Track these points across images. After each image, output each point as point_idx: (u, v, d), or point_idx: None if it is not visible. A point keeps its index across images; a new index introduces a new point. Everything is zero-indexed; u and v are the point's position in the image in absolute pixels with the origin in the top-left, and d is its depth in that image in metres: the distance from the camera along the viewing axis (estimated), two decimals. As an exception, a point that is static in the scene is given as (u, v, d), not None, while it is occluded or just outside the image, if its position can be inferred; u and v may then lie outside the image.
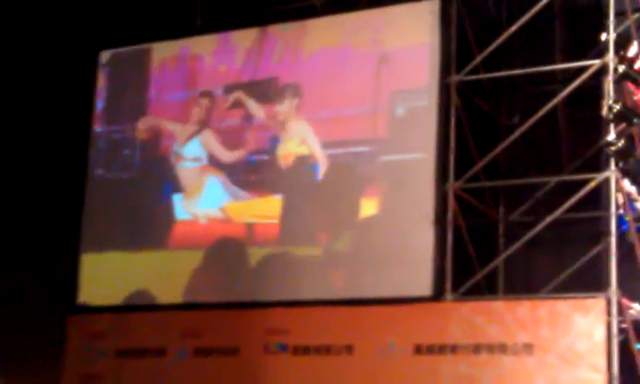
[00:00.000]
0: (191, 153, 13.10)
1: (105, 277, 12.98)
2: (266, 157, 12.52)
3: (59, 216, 13.31)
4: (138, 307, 12.28)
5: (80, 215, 13.23)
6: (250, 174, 12.66)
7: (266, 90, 12.67)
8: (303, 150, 12.23)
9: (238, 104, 12.83)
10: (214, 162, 12.80)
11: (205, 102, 13.07)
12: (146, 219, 13.14)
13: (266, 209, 12.39)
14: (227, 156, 12.82)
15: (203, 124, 13.00)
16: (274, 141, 12.52)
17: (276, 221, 12.22)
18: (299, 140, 12.36)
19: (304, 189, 12.23)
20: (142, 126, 13.40)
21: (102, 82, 13.72)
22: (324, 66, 12.29)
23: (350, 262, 11.58)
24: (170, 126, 13.32)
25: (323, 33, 12.32)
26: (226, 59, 13.05)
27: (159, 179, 13.23)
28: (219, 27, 12.87)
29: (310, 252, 11.84)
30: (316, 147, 12.17)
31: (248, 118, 12.72)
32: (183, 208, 12.99)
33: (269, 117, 12.58)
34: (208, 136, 13.03)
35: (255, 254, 12.21)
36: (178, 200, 13.07)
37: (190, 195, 13.05)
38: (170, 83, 13.45)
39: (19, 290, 12.99)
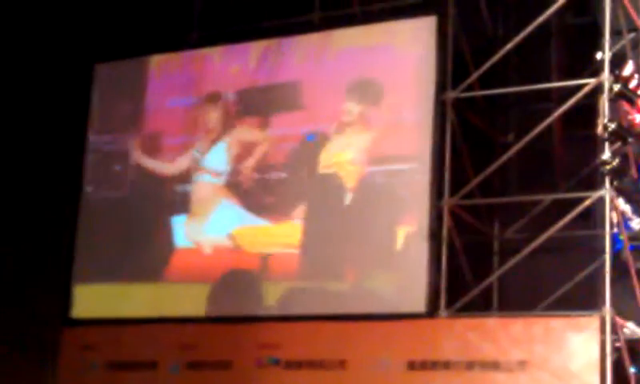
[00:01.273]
0: (214, 164, 11.84)
1: (96, 314, 12.22)
2: (284, 174, 11.59)
3: (53, 227, 12.90)
4: (131, 320, 12.07)
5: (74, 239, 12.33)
6: (265, 194, 11.52)
7: (287, 96, 11.58)
8: (354, 169, 11.08)
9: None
10: (233, 182, 11.71)
11: (220, 105, 11.86)
12: (139, 246, 11.95)
13: (284, 236, 11.24)
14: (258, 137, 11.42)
15: (225, 128, 11.82)
16: (298, 154, 11.40)
17: (296, 251, 11.36)
18: (354, 157, 11.08)
19: (330, 214, 11.15)
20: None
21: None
22: (356, 67, 11.42)
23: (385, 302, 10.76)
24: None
25: (354, 29, 11.57)
26: (238, 59, 12.01)
27: (156, 199, 12.08)
28: (216, 41, 12.60)
29: (337, 287, 11.02)
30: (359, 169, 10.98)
31: (263, 127, 11.74)
32: (185, 233, 11.85)
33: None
34: (242, 130, 11.69)
35: (271, 291, 11.29)
36: (179, 224, 11.88)
37: (195, 218, 11.82)
38: (171, 87, 12.39)
39: (12, 300, 12.87)
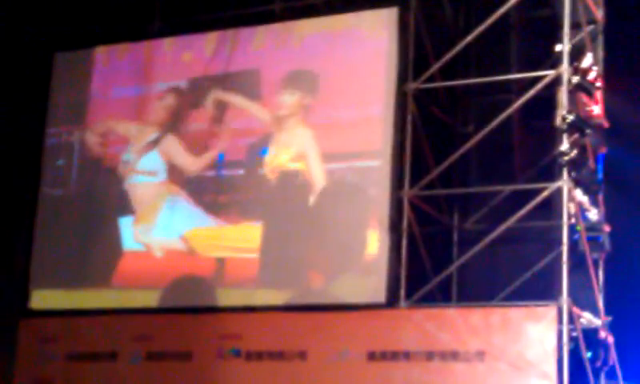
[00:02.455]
0: (146, 165, 11.27)
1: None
2: (241, 171, 11.06)
3: (13, 222, 12.54)
4: (90, 311, 11.91)
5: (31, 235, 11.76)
6: (221, 193, 10.94)
7: (243, 85, 10.97)
8: (298, 167, 10.62)
9: (217, 104, 10.95)
10: (175, 177, 11.16)
11: (170, 100, 11.34)
12: (85, 250, 11.39)
13: (242, 239, 10.70)
14: (194, 164, 10.86)
15: (166, 129, 11.28)
16: (256, 149, 10.82)
17: (254, 255, 10.95)
18: (296, 152, 10.57)
19: (292, 214, 10.69)
20: (91, 132, 11.49)
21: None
22: (320, 55, 10.97)
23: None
24: (123, 128, 11.37)
25: (313, 20, 11.15)
26: (191, 46, 11.52)
27: (102, 197, 11.51)
28: (177, 31, 12.42)
29: (301, 294, 10.61)
30: (316, 167, 10.42)
31: (218, 120, 11.17)
32: (133, 235, 11.28)
33: (263, 110, 10.68)
34: (170, 143, 11.11)
35: (227, 298, 10.86)
36: (126, 224, 11.28)
37: (142, 219, 11.20)
38: (117, 76, 11.88)
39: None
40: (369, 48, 11.38)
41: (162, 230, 11.26)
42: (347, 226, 10.72)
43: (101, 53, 12.14)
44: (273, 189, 10.93)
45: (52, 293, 11.86)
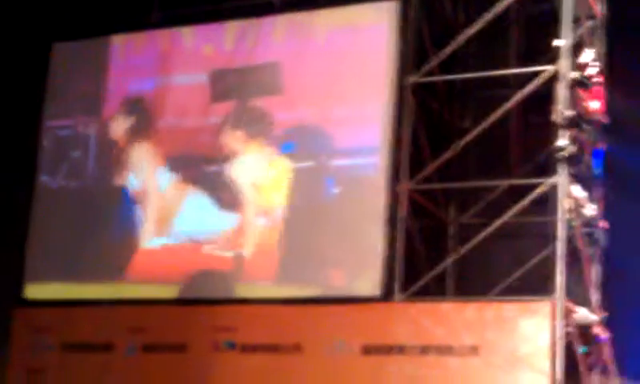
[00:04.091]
0: (145, 181, 11.17)
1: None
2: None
3: (6, 212, 12.44)
4: (85, 302, 11.90)
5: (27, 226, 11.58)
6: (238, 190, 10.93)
7: (265, 78, 10.88)
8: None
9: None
10: (189, 175, 11.14)
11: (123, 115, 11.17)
12: (100, 242, 11.34)
13: (261, 235, 10.84)
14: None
15: (134, 138, 11.19)
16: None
17: (274, 250, 10.91)
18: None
19: (312, 211, 10.69)
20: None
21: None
22: (340, 47, 10.94)
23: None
24: None
25: (313, 13, 11.02)
26: (212, 37, 11.34)
27: (119, 189, 11.47)
28: (176, 22, 12.33)
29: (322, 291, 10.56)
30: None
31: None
32: (151, 229, 11.25)
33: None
34: (142, 155, 11.03)
35: (245, 293, 10.88)
36: (144, 218, 11.28)
37: (160, 214, 11.13)
38: (135, 67, 11.76)
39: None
40: (369, 41, 11.34)
41: (182, 224, 11.24)
42: (359, 223, 10.67)
43: (118, 43, 11.95)
44: (293, 185, 10.95)
45: (59, 286, 11.79)
